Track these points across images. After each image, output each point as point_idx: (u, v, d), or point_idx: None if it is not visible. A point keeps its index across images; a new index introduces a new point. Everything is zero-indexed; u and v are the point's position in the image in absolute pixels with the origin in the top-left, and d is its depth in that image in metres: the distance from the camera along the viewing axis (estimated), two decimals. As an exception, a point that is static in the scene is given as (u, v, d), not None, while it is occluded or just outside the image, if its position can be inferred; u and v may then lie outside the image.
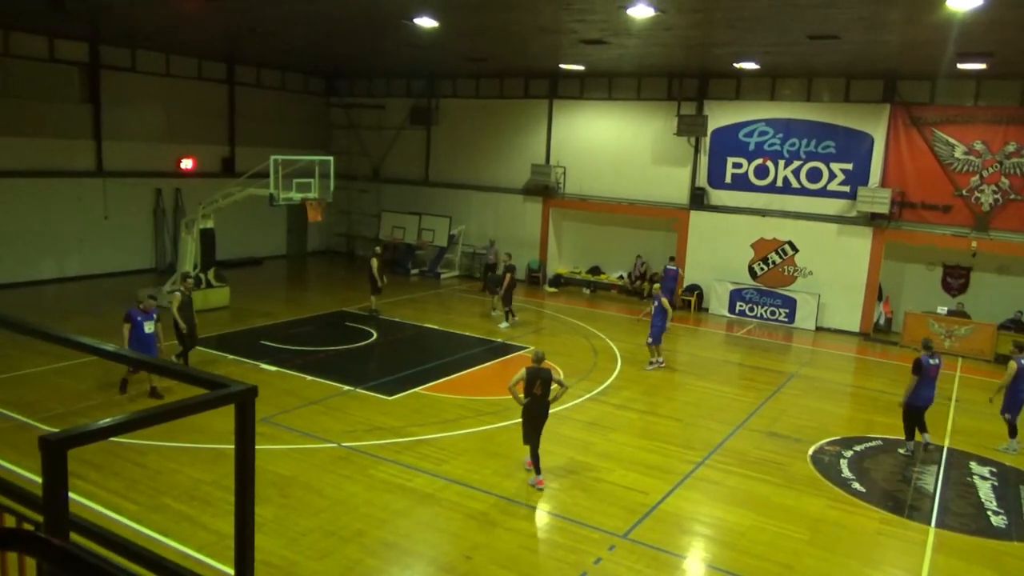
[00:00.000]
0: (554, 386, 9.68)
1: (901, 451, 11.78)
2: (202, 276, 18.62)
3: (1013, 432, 12.07)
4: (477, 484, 9.76)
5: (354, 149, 28.06)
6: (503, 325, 18.52)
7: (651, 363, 15.73)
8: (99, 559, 1.66)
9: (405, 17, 14.34)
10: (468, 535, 8.50)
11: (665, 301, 15.60)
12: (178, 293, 13.53)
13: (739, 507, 9.56)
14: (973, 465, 11.50)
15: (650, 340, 15.71)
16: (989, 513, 9.89)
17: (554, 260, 25.04)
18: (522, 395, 9.63)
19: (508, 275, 18.48)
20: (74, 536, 2.50)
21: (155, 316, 12.10)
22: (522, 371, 9.66)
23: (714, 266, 21.74)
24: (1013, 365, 11.89)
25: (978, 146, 18.55)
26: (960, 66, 16.48)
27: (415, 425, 11.50)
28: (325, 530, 8.40)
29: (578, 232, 25.04)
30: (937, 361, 11.70)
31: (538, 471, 9.78)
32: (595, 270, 24.54)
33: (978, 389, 15.84)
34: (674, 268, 21.44)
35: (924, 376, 11.42)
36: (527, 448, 9.94)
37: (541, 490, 9.68)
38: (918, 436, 11.60)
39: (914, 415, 11.61)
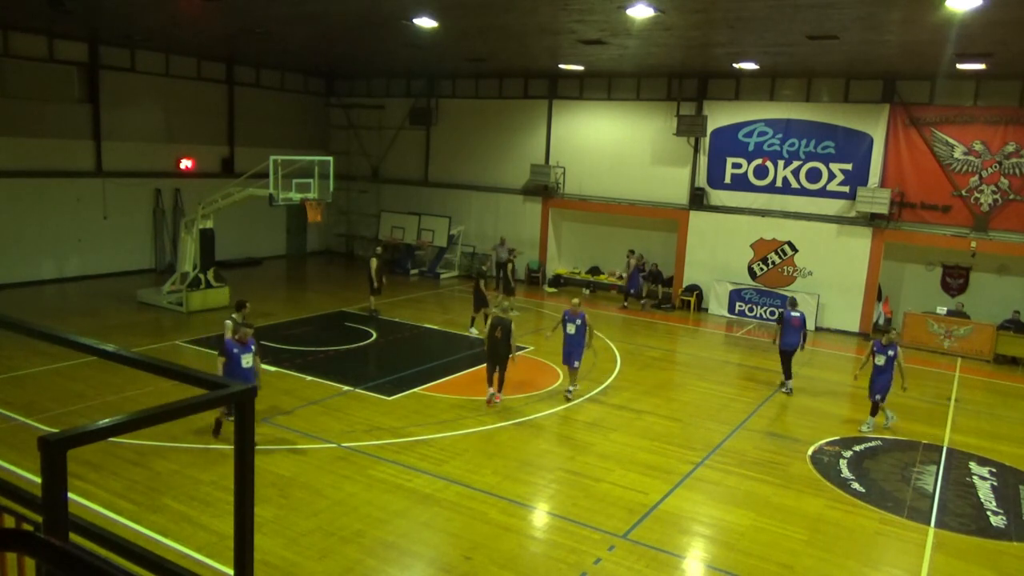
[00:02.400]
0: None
1: (782, 390, 14.63)
2: (201, 276, 18.62)
3: (875, 411, 12.66)
4: (476, 484, 9.77)
5: (353, 149, 28.06)
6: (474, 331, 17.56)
7: (570, 390, 13.43)
8: (99, 559, 1.65)
9: (405, 17, 14.34)
10: (467, 535, 8.49)
11: (588, 318, 13.45)
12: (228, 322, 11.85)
13: (738, 507, 9.56)
14: (973, 465, 11.51)
15: (575, 363, 13.33)
16: (989, 513, 9.90)
17: (553, 260, 25.04)
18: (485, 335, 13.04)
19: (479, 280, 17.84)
20: (73, 536, 2.50)
21: (253, 347, 10.55)
22: (492, 319, 12.87)
23: (713, 266, 21.76)
24: (901, 351, 12.55)
25: (977, 146, 18.55)
26: (959, 66, 16.48)
27: (415, 425, 11.49)
28: (325, 530, 8.40)
29: (577, 232, 25.05)
30: (798, 314, 14.67)
31: (490, 386, 12.75)
32: (594, 270, 24.55)
33: (978, 389, 15.85)
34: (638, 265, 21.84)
35: (786, 325, 14.55)
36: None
37: (494, 404, 12.67)
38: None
39: (783, 357, 14.66)
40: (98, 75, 21.22)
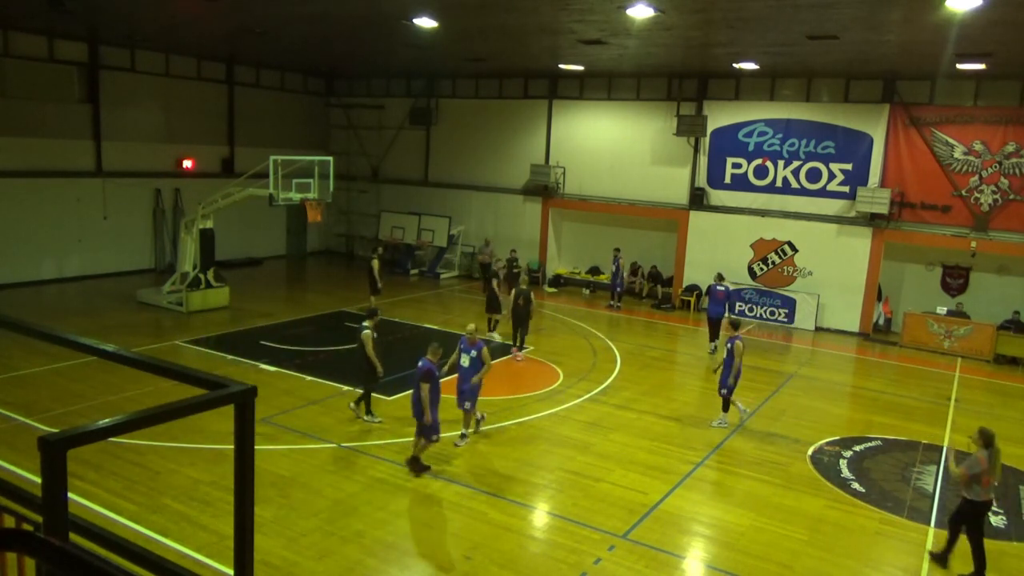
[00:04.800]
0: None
1: (709, 351, 16.98)
2: (201, 276, 18.62)
3: (726, 406, 12.56)
4: (476, 484, 9.76)
5: (353, 149, 28.06)
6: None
7: (464, 434, 11.18)
8: (98, 559, 1.65)
9: (405, 17, 14.34)
10: (468, 535, 8.49)
11: (486, 351, 11.08)
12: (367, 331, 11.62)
13: (738, 507, 9.56)
14: (972, 465, 11.49)
15: (466, 404, 11.02)
16: (989, 513, 9.88)
17: (553, 260, 25.04)
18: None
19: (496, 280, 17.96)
20: (73, 536, 2.50)
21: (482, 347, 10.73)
22: (515, 291, 16.02)
23: (713, 266, 21.67)
24: (738, 344, 12.39)
25: (977, 146, 18.55)
26: (959, 66, 16.48)
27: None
28: (325, 530, 8.40)
29: (577, 232, 25.04)
30: (722, 288, 16.98)
31: (514, 345, 15.75)
32: (594, 270, 24.54)
33: (978, 390, 15.85)
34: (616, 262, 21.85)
35: (712, 296, 17.25)
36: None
37: (516, 359, 15.45)
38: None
39: (710, 324, 17.25)
40: (98, 75, 21.22)
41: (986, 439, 8.14)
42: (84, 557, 1.59)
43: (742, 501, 9.73)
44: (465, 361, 10.98)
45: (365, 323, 11.80)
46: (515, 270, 20.15)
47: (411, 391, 10.14)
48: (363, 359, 11.52)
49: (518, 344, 16.00)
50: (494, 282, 17.68)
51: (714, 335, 17.20)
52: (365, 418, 11.66)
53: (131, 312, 18.17)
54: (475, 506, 9.19)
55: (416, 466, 9.99)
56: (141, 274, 22.33)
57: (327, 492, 9.35)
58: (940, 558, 8.50)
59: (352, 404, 11.83)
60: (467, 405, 10.95)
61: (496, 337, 17.27)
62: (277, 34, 17.70)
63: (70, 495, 2.18)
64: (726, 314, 16.69)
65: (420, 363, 9.96)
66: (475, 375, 10.83)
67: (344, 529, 8.44)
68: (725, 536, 8.88)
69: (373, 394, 11.92)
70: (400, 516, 8.87)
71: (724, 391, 12.51)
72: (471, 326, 11.30)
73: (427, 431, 9.85)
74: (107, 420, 2.23)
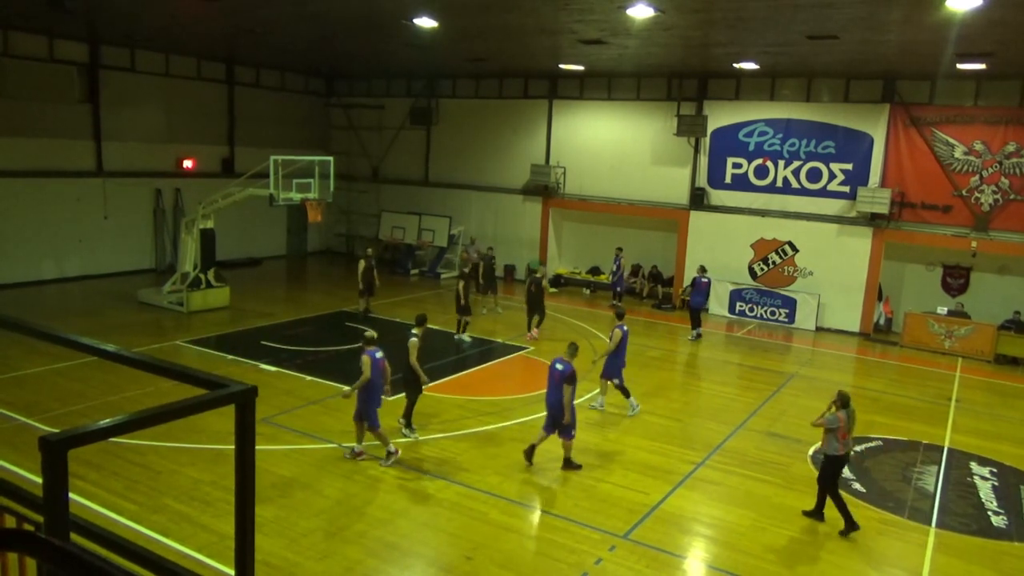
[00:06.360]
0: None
1: (691, 338, 18.34)
2: (202, 276, 18.62)
3: (627, 394, 12.78)
4: (477, 484, 9.76)
5: (354, 149, 28.06)
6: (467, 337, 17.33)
7: (388, 455, 10.22)
8: (99, 560, 1.65)
9: (405, 17, 14.34)
10: (469, 535, 8.49)
11: (388, 366, 10.33)
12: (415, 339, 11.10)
13: (739, 507, 9.56)
14: (973, 465, 11.50)
15: (374, 424, 10.17)
16: (990, 513, 9.89)
17: (554, 260, 25.03)
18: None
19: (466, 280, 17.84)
20: (74, 536, 2.50)
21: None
22: (528, 278, 18.24)
23: (714, 266, 21.70)
24: (618, 332, 12.63)
25: (978, 146, 18.54)
26: (960, 66, 16.47)
27: (416, 425, 11.46)
28: (326, 530, 8.40)
29: (578, 232, 25.04)
30: (706, 280, 18.78)
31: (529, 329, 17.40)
32: (595, 270, 24.54)
33: (979, 390, 15.85)
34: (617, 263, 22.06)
35: (696, 288, 18.60)
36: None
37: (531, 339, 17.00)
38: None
39: (692, 313, 18.76)
40: (98, 75, 21.23)
41: (843, 400, 9.13)
42: (85, 557, 1.59)
43: (743, 501, 9.73)
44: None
45: (414, 330, 11.18)
46: (491, 268, 20.36)
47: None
48: (407, 368, 10.99)
49: (532, 326, 17.57)
50: (460, 284, 17.43)
51: (697, 323, 18.62)
52: (405, 432, 11.20)
53: (132, 312, 18.17)
54: (476, 506, 9.19)
55: (571, 466, 10.42)
56: (142, 274, 22.33)
57: (328, 492, 9.35)
58: (814, 513, 9.29)
59: (400, 420, 11.24)
60: (374, 425, 10.16)
61: (466, 338, 17.16)
62: (277, 34, 17.70)
63: (71, 495, 2.18)
64: (704, 303, 18.74)
65: (560, 366, 10.27)
66: (379, 389, 10.21)
67: (345, 529, 8.44)
68: (726, 536, 8.88)
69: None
70: (401, 516, 8.87)
71: (616, 380, 12.72)
72: (369, 333, 10.59)
73: (567, 431, 10.29)
74: (108, 420, 2.23)
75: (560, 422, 10.27)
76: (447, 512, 9.02)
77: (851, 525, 8.97)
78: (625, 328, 12.85)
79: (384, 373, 10.33)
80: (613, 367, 12.80)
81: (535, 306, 17.47)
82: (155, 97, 22.80)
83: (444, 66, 23.49)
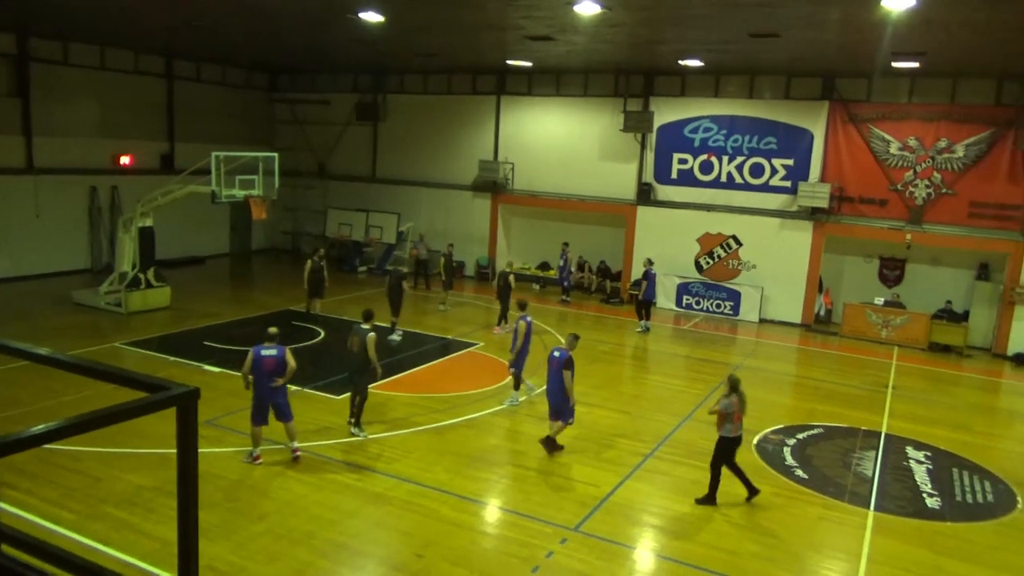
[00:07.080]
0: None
1: (639, 330, 18.97)
2: (141, 276, 18.09)
3: (517, 385, 13.01)
4: (427, 482, 9.72)
5: (299, 145, 27.58)
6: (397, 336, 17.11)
7: (250, 455, 10.01)
8: (33, 571, 1.59)
9: (350, 11, 14.14)
10: (419, 533, 8.45)
11: (289, 353, 9.99)
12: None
13: (687, 497, 9.72)
14: (909, 450, 11.93)
15: (252, 421, 9.94)
16: (925, 496, 10.27)
17: (503, 256, 25.04)
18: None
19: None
20: (5, 548, 2.40)
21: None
22: (499, 272, 18.09)
23: (661, 260, 22.01)
24: (523, 324, 12.74)
25: (912, 142, 19.20)
26: (895, 64, 17.02)
27: (364, 424, 11.35)
28: (274, 533, 8.26)
29: (527, 228, 25.11)
30: (655, 272, 19.27)
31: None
32: (544, 266, 24.64)
33: (914, 377, 16.43)
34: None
35: (650, 281, 19.09)
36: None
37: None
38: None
39: (645, 306, 19.19)
40: (28, 68, 20.41)
41: (733, 384, 9.49)
42: (16, 569, 1.52)
43: (690, 491, 9.89)
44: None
45: (365, 325, 10.94)
46: (451, 265, 20.48)
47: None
48: (364, 363, 10.82)
49: (501, 321, 18.04)
50: (404, 283, 17.29)
51: (648, 315, 19.16)
52: (354, 431, 11.01)
53: (67, 314, 17.55)
54: (426, 503, 9.14)
55: (552, 446, 10.77)
56: (77, 275, 21.57)
57: (275, 494, 9.19)
58: (707, 499, 9.53)
59: (350, 420, 11.12)
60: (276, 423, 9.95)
61: (396, 337, 16.83)
62: (218, 27, 17.25)
63: (2, 505, 2.09)
64: (654, 296, 19.47)
65: (558, 353, 10.89)
66: (284, 389, 9.98)
67: (294, 531, 8.31)
68: (674, 525, 9.02)
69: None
70: (351, 516, 8.77)
71: (514, 369, 12.86)
72: (272, 329, 10.23)
73: (566, 414, 10.81)
74: (40, 427, 2.14)
75: (563, 408, 10.79)
76: (397, 510, 8.96)
77: (752, 490, 9.63)
78: (529, 319, 12.90)
79: (268, 372, 9.74)
80: (518, 358, 12.83)
81: (505, 301, 17.78)
82: (90, 91, 22.02)
83: (391, 61, 23.26)
